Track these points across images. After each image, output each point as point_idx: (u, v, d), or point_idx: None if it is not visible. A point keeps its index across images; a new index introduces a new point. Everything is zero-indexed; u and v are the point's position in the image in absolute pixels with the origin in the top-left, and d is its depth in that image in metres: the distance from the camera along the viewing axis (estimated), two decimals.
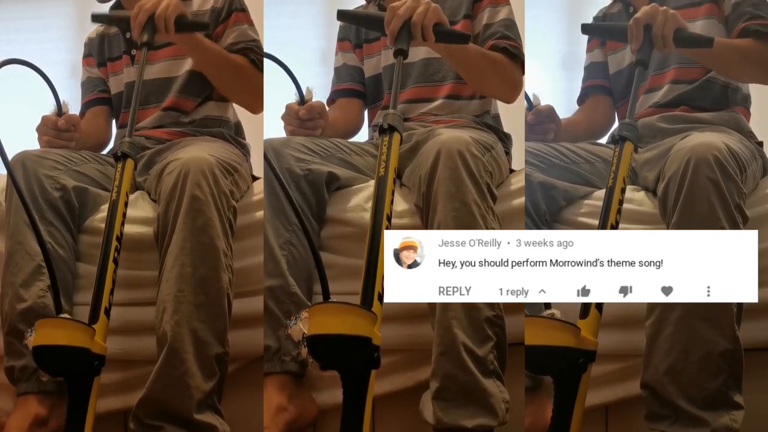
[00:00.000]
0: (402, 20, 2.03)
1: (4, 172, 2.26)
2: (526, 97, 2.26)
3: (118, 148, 2.15)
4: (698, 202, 1.89)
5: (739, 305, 1.92)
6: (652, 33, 2.01)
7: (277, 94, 2.37)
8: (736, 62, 2.23)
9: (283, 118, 2.32)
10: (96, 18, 2.42)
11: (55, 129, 2.35)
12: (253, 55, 2.42)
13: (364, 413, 1.76)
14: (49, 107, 2.36)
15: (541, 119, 2.28)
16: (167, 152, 2.33)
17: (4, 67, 2.12)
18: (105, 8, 2.58)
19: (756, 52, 2.23)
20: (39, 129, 2.38)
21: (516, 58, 2.34)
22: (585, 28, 2.24)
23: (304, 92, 2.29)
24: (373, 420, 1.97)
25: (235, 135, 2.53)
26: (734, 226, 1.90)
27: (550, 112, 2.30)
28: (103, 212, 2.30)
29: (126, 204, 2.11)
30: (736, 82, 2.35)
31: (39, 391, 2.18)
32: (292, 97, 2.31)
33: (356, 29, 2.56)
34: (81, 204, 2.29)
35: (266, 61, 2.32)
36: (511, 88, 2.33)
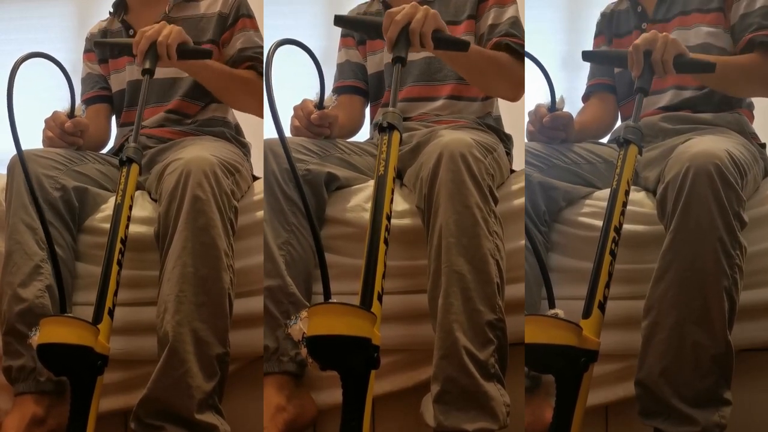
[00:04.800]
0: (400, 27, 2.00)
1: (4, 171, 2.27)
2: (553, 97, 2.23)
3: (124, 153, 2.15)
4: (696, 210, 1.90)
5: (731, 310, 1.93)
6: (652, 59, 2.01)
7: (280, 93, 2.37)
8: (738, 80, 2.22)
9: (296, 110, 2.32)
10: (99, 45, 2.42)
11: (61, 129, 2.35)
12: (259, 63, 2.42)
13: (364, 413, 1.77)
14: (62, 105, 2.37)
15: (556, 125, 2.26)
16: (168, 152, 2.33)
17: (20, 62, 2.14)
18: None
19: (758, 68, 2.22)
20: (47, 122, 2.38)
21: (520, 55, 2.32)
22: (585, 56, 2.23)
23: (326, 97, 2.29)
24: (373, 420, 1.97)
25: (235, 134, 2.53)
26: (731, 234, 1.92)
27: (568, 120, 2.27)
28: (103, 212, 2.31)
29: (131, 208, 2.12)
30: None
31: (36, 390, 2.18)
32: (296, 99, 2.31)
33: None
34: (81, 204, 2.29)
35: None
36: (516, 86, 2.31)
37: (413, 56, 2.40)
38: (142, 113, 2.21)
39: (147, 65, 2.21)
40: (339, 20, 2.16)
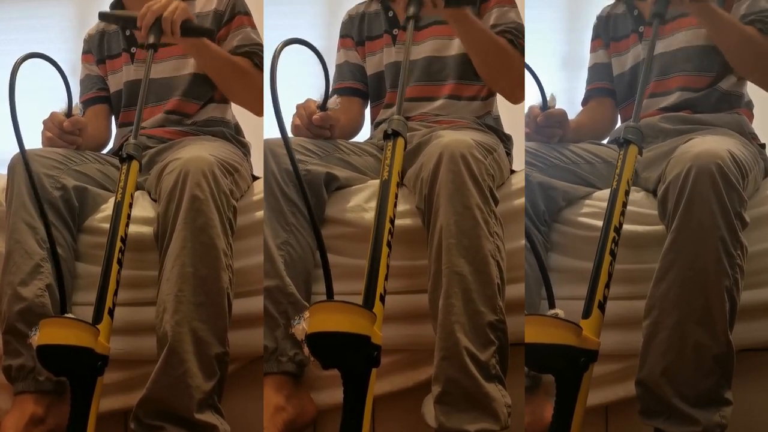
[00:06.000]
0: None
1: (4, 171, 2.27)
2: (543, 96, 2.25)
3: (124, 150, 2.15)
4: (698, 210, 1.91)
5: (732, 310, 1.94)
6: None
7: (280, 94, 2.36)
8: (736, 44, 2.22)
9: (298, 108, 2.32)
10: (103, 17, 2.41)
11: (60, 129, 2.35)
12: (257, 59, 2.42)
13: (364, 412, 1.77)
14: (60, 105, 2.36)
15: (550, 123, 2.26)
16: (168, 152, 2.33)
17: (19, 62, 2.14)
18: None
19: (756, 41, 2.21)
20: (45, 123, 2.37)
21: (522, 56, 2.32)
22: None
23: (330, 100, 2.29)
24: (373, 420, 1.98)
25: (235, 134, 2.53)
26: (733, 234, 1.92)
27: (562, 117, 2.28)
28: (103, 212, 2.30)
29: (131, 205, 2.12)
30: (739, 89, 2.35)
31: (36, 390, 2.17)
32: (298, 100, 2.30)
33: (359, 26, 2.56)
34: (81, 204, 2.29)
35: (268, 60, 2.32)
36: (519, 84, 2.31)
37: (414, 56, 2.41)
38: (142, 106, 2.21)
39: (151, 39, 2.21)
40: None
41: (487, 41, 2.28)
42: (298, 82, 2.39)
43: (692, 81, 2.33)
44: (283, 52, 1.98)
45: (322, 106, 2.30)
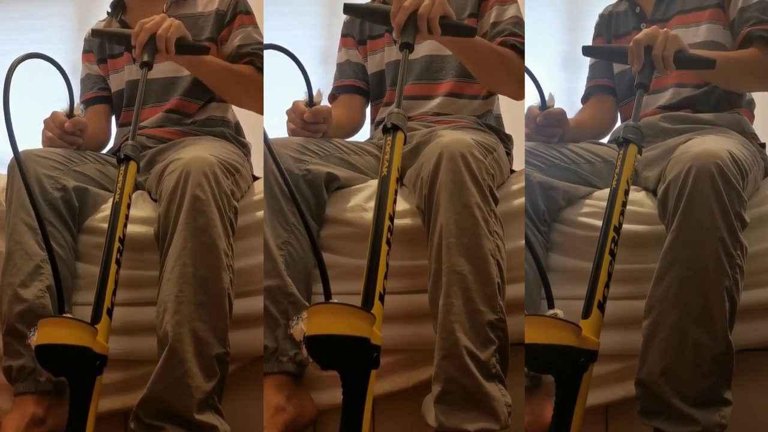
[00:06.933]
0: (408, 12, 2.03)
1: (4, 171, 2.27)
2: (542, 96, 2.25)
3: (121, 151, 2.15)
4: (698, 210, 1.90)
5: (732, 310, 1.93)
6: (652, 54, 2.02)
7: (279, 93, 2.37)
8: (737, 75, 2.23)
9: (288, 113, 2.32)
10: (96, 34, 2.41)
11: (61, 129, 2.35)
12: (258, 58, 2.42)
13: (364, 413, 1.77)
14: (61, 105, 2.36)
15: (550, 122, 2.27)
16: (168, 152, 2.33)
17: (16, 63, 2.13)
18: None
19: (758, 62, 2.23)
20: (46, 123, 2.37)
21: (523, 54, 2.32)
22: (586, 50, 2.24)
23: (314, 94, 2.29)
24: (373, 420, 1.97)
25: (235, 134, 2.53)
26: (732, 234, 1.92)
27: (561, 116, 2.28)
28: (103, 212, 2.31)
29: (129, 206, 2.11)
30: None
31: (36, 390, 2.18)
32: (294, 98, 2.31)
33: (360, 25, 2.56)
34: (81, 204, 2.29)
35: (268, 60, 2.32)
36: (520, 84, 2.30)
37: (414, 55, 2.40)
38: (139, 110, 2.21)
39: (145, 58, 2.20)
40: (348, 8, 2.19)
41: (486, 54, 2.27)
42: (295, 82, 2.38)
43: (689, 77, 2.32)
44: (276, 55, 1.97)
45: (309, 103, 2.30)
